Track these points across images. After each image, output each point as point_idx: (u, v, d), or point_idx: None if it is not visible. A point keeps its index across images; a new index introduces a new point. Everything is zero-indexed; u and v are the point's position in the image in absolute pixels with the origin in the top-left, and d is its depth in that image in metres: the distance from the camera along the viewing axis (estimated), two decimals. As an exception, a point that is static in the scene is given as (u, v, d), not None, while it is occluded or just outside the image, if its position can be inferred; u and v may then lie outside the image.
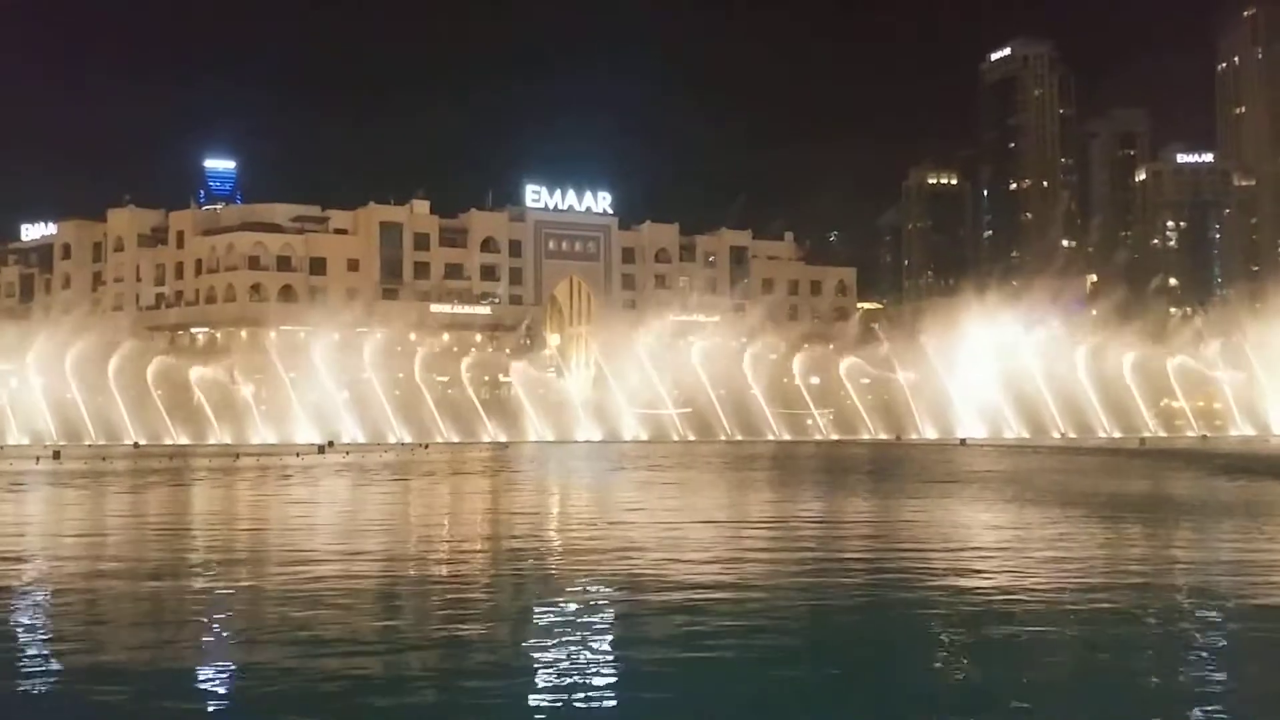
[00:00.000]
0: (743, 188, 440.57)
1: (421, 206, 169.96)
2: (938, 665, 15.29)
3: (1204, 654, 15.84)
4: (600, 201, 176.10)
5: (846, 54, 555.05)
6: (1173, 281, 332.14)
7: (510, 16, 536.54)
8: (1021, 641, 16.61)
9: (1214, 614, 18.55)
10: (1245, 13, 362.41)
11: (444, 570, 24.13)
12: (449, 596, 20.15)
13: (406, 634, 16.81)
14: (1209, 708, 12.95)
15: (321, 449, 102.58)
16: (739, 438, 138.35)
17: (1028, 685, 14.14)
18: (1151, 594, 20.20)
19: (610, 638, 16.87)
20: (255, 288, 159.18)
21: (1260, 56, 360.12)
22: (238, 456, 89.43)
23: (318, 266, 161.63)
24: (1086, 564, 24.18)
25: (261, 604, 19.75)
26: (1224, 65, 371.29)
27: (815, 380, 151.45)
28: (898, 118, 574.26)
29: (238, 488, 53.62)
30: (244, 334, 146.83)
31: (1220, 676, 14.63)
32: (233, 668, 14.93)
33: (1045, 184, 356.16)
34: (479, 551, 28.28)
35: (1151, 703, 13.27)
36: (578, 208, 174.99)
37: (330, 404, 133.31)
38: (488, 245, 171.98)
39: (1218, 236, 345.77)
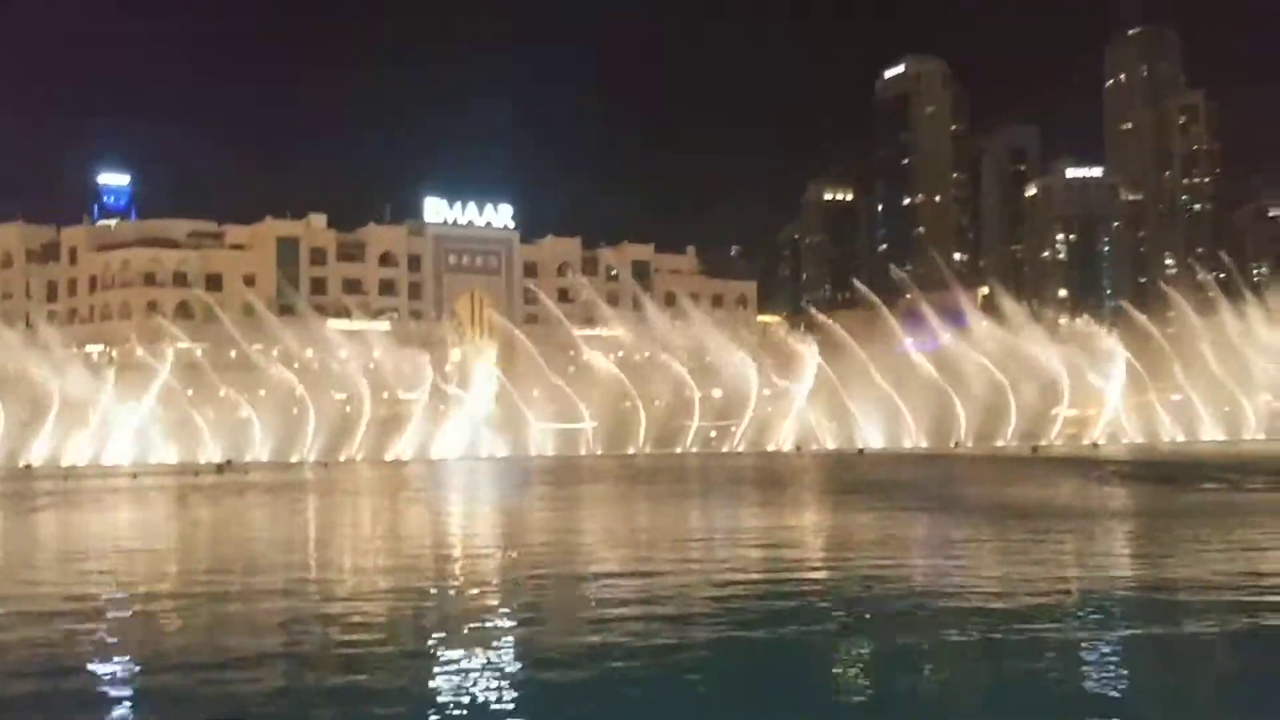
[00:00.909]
0: (645, 201, 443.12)
1: (319, 221, 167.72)
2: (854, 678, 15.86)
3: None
4: (501, 215, 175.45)
5: (748, 71, 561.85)
6: (1063, 293, 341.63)
7: (410, 30, 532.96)
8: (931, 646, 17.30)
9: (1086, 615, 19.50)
10: (1129, 31, 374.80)
11: (340, 607, 23.78)
12: (347, 637, 19.43)
13: (307, 690, 15.77)
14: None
15: (220, 468, 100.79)
16: (647, 451, 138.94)
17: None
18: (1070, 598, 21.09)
19: (517, 667, 16.94)
20: (151, 304, 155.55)
21: (1145, 74, 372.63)
22: (135, 476, 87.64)
23: (214, 283, 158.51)
24: (970, 571, 25.08)
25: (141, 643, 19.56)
26: (1111, 82, 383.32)
27: (718, 393, 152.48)
28: (797, 134, 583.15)
29: (117, 511, 52.55)
30: (140, 352, 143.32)
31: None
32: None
33: (938, 198, 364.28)
34: (378, 584, 28.21)
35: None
36: (478, 221, 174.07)
37: (228, 422, 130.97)
38: (386, 260, 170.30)
39: (1107, 249, 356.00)
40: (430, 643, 18.50)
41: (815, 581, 24.22)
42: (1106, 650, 17.00)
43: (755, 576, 24.78)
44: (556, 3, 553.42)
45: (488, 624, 20.29)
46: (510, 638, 18.86)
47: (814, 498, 52.91)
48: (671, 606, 20.84)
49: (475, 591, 24.18)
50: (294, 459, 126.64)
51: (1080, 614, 19.81)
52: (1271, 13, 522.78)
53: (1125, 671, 16.04)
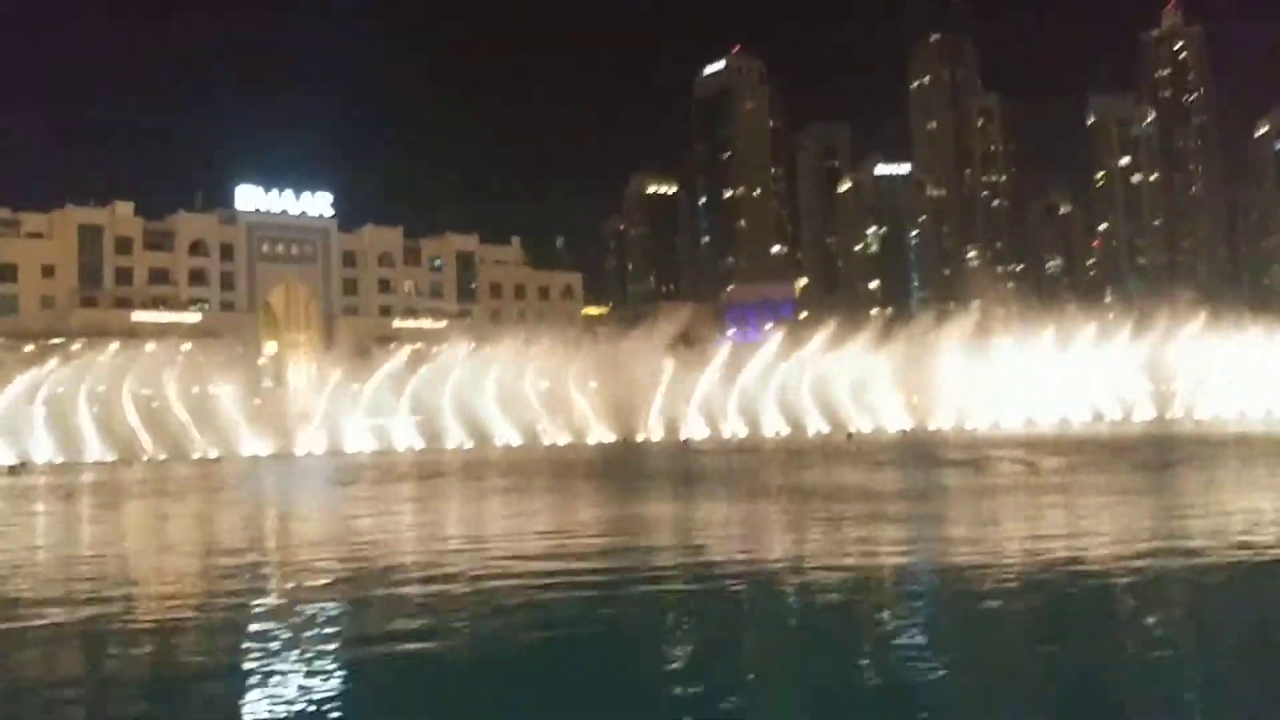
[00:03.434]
0: (469, 192, 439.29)
1: (125, 208, 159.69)
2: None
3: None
4: (319, 202, 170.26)
5: (573, 63, 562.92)
6: (875, 284, 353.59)
7: (226, 12, 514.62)
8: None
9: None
10: (932, 37, 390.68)
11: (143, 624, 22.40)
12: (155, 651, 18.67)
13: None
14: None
15: (13, 469, 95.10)
16: (469, 445, 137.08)
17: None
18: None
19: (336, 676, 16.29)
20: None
21: (947, 77, 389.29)
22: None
23: (8, 273, 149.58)
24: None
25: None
26: (916, 84, 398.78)
27: (545, 384, 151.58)
28: (621, 126, 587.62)
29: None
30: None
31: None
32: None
33: (757, 193, 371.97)
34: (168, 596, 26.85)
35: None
36: (294, 209, 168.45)
37: (24, 421, 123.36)
38: (196, 249, 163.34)
39: (914, 243, 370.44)
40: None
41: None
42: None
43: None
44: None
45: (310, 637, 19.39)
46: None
47: (646, 488, 52.94)
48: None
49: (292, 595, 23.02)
50: (95, 459, 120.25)
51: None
52: (1057, 20, 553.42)
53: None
